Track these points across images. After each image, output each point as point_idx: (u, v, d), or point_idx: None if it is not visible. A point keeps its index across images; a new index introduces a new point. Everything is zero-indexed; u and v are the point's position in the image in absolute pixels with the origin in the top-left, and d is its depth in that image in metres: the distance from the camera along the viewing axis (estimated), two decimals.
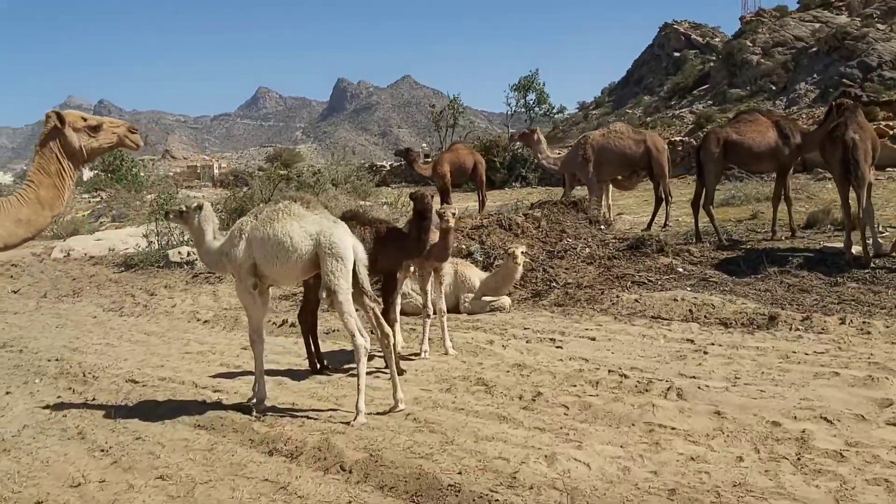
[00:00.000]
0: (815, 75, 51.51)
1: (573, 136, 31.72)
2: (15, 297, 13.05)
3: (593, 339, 7.17)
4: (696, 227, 11.20)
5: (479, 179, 14.90)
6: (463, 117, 33.77)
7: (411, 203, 6.43)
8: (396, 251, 6.40)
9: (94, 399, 6.34)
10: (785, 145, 10.57)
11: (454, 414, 5.24)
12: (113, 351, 8.34)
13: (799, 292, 8.15)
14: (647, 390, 5.45)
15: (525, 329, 7.73)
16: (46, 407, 6.11)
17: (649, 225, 13.33)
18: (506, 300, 8.85)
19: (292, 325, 8.60)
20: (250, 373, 6.37)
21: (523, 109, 32.23)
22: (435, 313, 7.17)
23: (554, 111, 31.84)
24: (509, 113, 33.36)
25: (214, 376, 6.88)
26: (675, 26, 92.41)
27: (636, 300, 8.29)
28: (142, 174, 39.68)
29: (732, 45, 64.42)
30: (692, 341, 6.89)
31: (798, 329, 6.96)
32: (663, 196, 13.13)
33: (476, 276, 8.97)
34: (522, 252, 8.61)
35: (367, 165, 27.64)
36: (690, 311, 7.83)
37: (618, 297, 8.46)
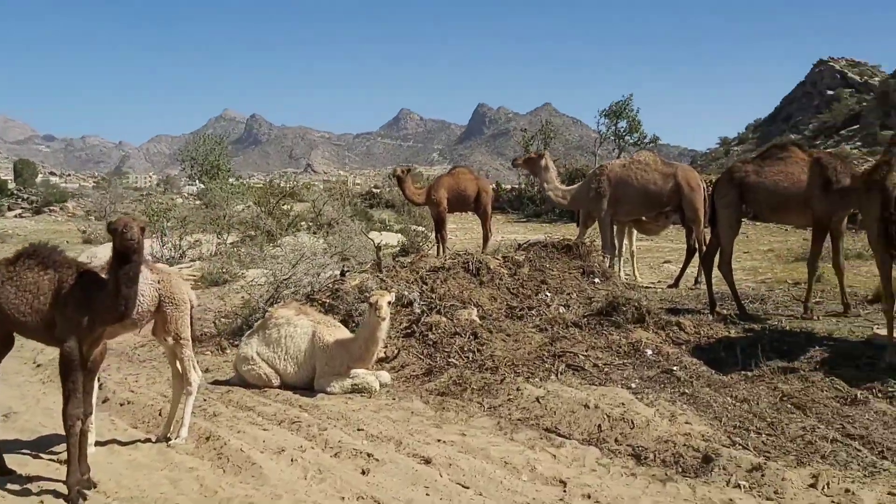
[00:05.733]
0: None
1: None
2: None
3: (428, 461, 4.72)
4: (710, 292, 8.37)
5: (482, 210, 12.49)
6: (554, 141, 31.12)
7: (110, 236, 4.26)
8: (84, 311, 4.24)
9: None
10: (824, 192, 7.55)
11: None
12: None
13: (787, 412, 5.33)
14: None
15: (357, 430, 5.36)
16: None
17: (677, 281, 10.51)
18: (384, 376, 6.50)
19: None
20: None
21: (613, 137, 29.21)
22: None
23: (646, 140, 28.55)
24: (598, 139, 30.34)
25: None
26: (830, 63, 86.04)
27: (540, 398, 5.72)
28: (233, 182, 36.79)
29: (889, 84, 58.20)
30: (564, 484, 4.33)
31: (737, 486, 4.23)
32: (697, 245, 10.27)
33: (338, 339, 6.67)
34: (389, 302, 6.25)
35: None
36: (601, 426, 5.19)
37: (519, 389, 5.92)
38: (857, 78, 79.72)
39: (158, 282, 5.16)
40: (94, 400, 4.78)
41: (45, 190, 55.12)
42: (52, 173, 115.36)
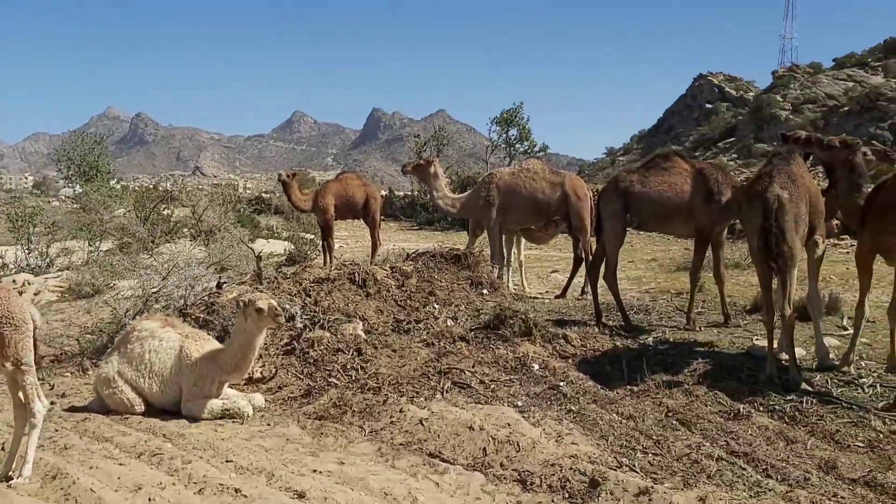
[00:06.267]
0: (844, 135, 48.39)
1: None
2: None
3: (302, 495, 4.34)
4: (596, 303, 8.36)
5: (371, 218, 12.18)
6: (448, 148, 31.13)
7: None
8: None
9: None
10: (706, 203, 7.69)
11: None
12: None
13: (672, 428, 5.28)
14: None
15: (226, 462, 4.91)
16: None
17: (564, 291, 10.54)
18: (257, 399, 6.05)
19: None
20: None
21: (504, 145, 29.50)
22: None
23: (535, 149, 28.98)
24: (489, 147, 30.57)
25: None
26: (709, 77, 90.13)
27: (424, 420, 5.45)
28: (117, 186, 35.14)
29: (762, 100, 61.60)
30: None
31: None
32: (584, 255, 10.31)
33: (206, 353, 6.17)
34: (271, 305, 5.79)
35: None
36: (485, 449, 4.97)
37: (403, 411, 5.63)
38: (734, 92, 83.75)
39: None
40: None
41: None
42: None
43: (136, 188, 23.08)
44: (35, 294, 11.74)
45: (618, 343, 7.41)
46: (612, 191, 8.16)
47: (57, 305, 11.17)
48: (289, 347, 7.30)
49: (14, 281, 12.23)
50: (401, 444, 5.20)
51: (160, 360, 6.09)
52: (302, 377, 6.65)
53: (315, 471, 4.75)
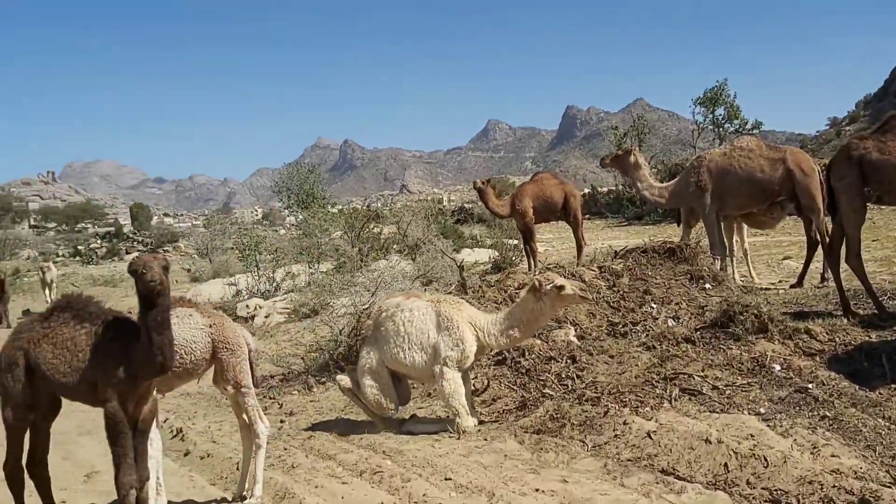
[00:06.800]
0: None
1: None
2: None
3: None
4: (840, 290, 7.31)
5: (573, 217, 11.67)
6: (650, 137, 29.78)
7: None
8: (122, 366, 3.80)
9: None
10: None
11: None
12: None
13: None
14: None
15: (445, 479, 4.75)
16: None
17: (800, 279, 9.44)
18: (466, 423, 5.73)
19: None
20: None
21: (711, 126, 27.54)
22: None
23: (747, 127, 26.73)
24: (695, 130, 28.68)
25: None
26: None
27: (652, 433, 4.95)
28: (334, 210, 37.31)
29: None
30: None
31: None
32: (818, 237, 9.17)
33: (478, 319, 5.90)
34: (575, 285, 5.75)
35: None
36: (726, 465, 4.38)
37: (627, 423, 5.16)
38: None
39: (210, 326, 4.73)
40: (155, 460, 4.41)
41: (158, 231, 57.95)
42: (165, 214, 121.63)
43: (344, 210, 24.31)
44: (265, 317, 12.56)
45: (872, 335, 6.40)
46: (843, 161, 7.10)
47: (284, 326, 11.85)
48: (500, 357, 7.07)
49: (247, 306, 13.19)
50: (628, 460, 4.75)
51: (416, 329, 5.85)
52: (515, 388, 6.40)
53: (537, 490, 4.45)
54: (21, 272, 28.55)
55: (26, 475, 4.25)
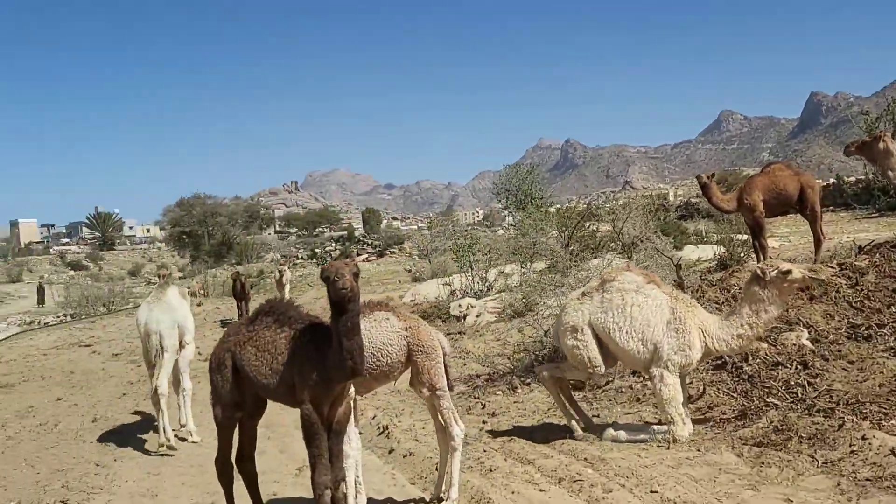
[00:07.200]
0: None
1: None
2: None
3: None
4: None
5: (810, 209, 10.38)
6: None
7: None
8: (316, 369, 3.87)
9: None
10: None
11: None
12: None
13: None
14: None
15: (650, 493, 4.40)
16: None
17: None
18: (681, 432, 5.27)
19: None
20: None
21: None
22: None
23: None
24: None
25: None
26: None
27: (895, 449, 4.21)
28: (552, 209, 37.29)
29: None
30: None
31: None
32: None
33: (708, 324, 5.54)
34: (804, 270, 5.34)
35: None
36: None
37: (866, 438, 4.44)
38: None
39: (406, 329, 4.74)
40: (353, 459, 4.48)
41: (386, 234, 61.40)
42: (394, 218, 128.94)
43: (558, 209, 24.03)
44: (476, 316, 12.66)
45: None
46: None
47: (494, 326, 11.86)
48: (719, 361, 6.48)
49: (460, 305, 13.38)
50: (867, 479, 4.09)
51: (643, 316, 5.57)
52: (735, 395, 5.83)
53: None
54: (265, 273, 31.57)
55: (235, 470, 4.49)
